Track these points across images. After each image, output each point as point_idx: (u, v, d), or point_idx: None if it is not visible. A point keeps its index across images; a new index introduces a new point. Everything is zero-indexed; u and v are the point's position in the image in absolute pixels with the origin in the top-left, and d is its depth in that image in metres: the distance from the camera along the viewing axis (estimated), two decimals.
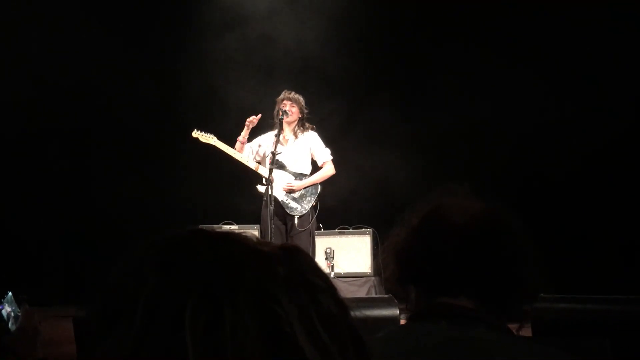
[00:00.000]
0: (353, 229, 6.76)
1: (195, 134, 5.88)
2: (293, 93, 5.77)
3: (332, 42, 7.15)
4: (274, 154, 5.56)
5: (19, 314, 2.49)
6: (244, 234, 0.61)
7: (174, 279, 0.54)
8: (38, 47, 7.07)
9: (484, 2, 6.96)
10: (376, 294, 6.33)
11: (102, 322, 0.55)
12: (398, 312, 4.25)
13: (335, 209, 6.32)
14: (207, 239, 0.59)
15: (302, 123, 5.84)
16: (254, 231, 6.67)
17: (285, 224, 5.78)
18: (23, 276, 6.67)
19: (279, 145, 5.69)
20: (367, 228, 6.69)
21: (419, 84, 7.22)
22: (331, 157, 5.92)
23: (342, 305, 0.58)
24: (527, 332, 3.22)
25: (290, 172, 5.82)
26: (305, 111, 5.84)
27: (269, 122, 5.85)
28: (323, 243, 6.45)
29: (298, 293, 0.55)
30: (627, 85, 6.45)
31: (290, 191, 5.75)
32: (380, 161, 7.02)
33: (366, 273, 6.60)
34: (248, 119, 5.74)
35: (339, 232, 6.73)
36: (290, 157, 5.83)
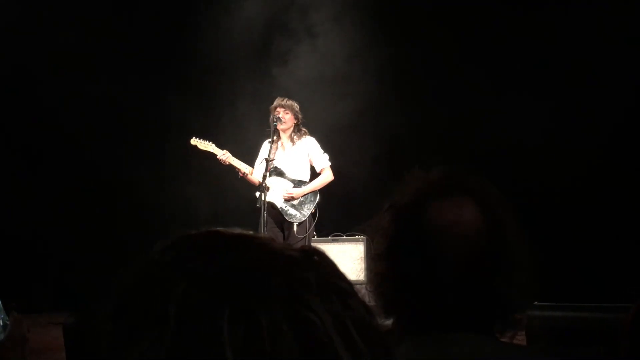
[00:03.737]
0: (346, 236, 6.74)
1: (194, 141, 5.88)
2: (286, 100, 5.77)
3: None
4: (267, 160, 5.56)
5: (8, 322, 2.45)
6: (263, 236, 0.58)
7: (205, 287, 0.52)
8: (38, 46, 7.05)
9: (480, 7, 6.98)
10: (370, 302, 6.30)
11: (120, 327, 0.52)
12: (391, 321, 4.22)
13: (329, 216, 6.29)
14: (231, 242, 0.57)
15: (299, 129, 5.83)
16: None
17: (282, 231, 5.75)
18: (12, 283, 6.61)
19: (277, 152, 5.70)
20: (360, 235, 6.67)
21: (419, 87, 7.21)
22: (329, 163, 5.90)
23: (370, 310, 0.57)
24: (521, 340, 3.20)
25: (289, 179, 5.80)
26: (300, 116, 5.82)
27: (267, 132, 5.82)
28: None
29: (330, 299, 0.53)
30: (620, 94, 6.46)
31: (290, 199, 5.73)
32: (375, 167, 7.01)
33: (359, 281, 6.56)
34: (220, 159, 5.73)
35: (332, 240, 6.72)
36: (288, 164, 5.81)
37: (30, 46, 7.05)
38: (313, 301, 0.52)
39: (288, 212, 5.73)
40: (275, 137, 5.71)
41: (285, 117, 5.71)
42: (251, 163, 5.86)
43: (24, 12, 7.03)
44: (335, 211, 6.60)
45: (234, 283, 0.52)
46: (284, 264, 0.55)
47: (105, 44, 7.20)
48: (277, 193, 5.72)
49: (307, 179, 5.87)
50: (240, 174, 5.78)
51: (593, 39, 6.50)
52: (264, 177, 5.51)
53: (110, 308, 0.54)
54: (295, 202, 5.76)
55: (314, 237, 6.16)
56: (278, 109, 5.72)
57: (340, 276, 0.57)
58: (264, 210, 5.44)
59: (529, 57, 6.79)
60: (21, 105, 7.24)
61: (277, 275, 0.53)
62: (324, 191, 5.96)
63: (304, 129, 5.88)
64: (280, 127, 5.71)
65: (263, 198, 5.46)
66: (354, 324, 0.53)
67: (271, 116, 5.74)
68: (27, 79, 7.09)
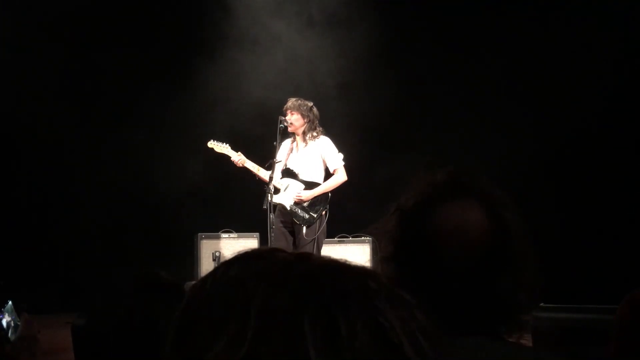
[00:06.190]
0: (352, 237, 6.74)
1: (211, 144, 5.85)
2: (292, 100, 5.65)
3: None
4: (273, 162, 5.52)
5: (19, 322, 2.48)
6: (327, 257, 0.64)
7: (285, 290, 0.57)
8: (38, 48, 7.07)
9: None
10: None
11: (198, 328, 0.58)
12: None
13: (335, 217, 6.29)
14: (297, 256, 0.62)
15: (312, 127, 5.69)
16: (253, 239, 6.66)
17: (292, 232, 5.70)
18: (21, 284, 6.64)
19: (292, 153, 5.69)
20: (366, 237, 6.66)
21: (428, 86, 7.22)
22: (343, 163, 5.75)
23: (429, 321, 0.61)
24: (527, 342, 3.20)
25: (300, 181, 5.71)
26: (311, 114, 5.66)
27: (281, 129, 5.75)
28: (322, 252, 6.42)
29: (398, 308, 0.58)
30: (618, 94, 6.46)
31: (299, 202, 5.66)
32: (383, 168, 7.01)
33: None
34: (235, 162, 5.74)
35: (338, 241, 6.72)
36: (301, 165, 5.72)
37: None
38: (384, 307, 0.57)
39: (297, 213, 5.64)
40: (292, 138, 5.71)
41: (291, 118, 5.64)
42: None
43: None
44: (342, 212, 6.59)
45: (313, 286, 0.57)
46: (355, 273, 0.60)
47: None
48: (287, 195, 5.66)
49: (321, 180, 5.75)
50: (257, 177, 5.75)
51: (593, 40, 6.50)
52: (270, 179, 5.48)
53: (190, 307, 0.60)
54: (305, 204, 5.68)
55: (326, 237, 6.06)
56: (286, 112, 5.66)
57: (402, 291, 0.62)
58: (270, 212, 5.41)
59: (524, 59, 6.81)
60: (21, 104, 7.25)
61: (351, 282, 0.58)
62: (333, 192, 5.92)
63: (319, 128, 5.72)
64: (290, 130, 5.67)
65: (269, 200, 5.42)
66: (420, 330, 0.58)
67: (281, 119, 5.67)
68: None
